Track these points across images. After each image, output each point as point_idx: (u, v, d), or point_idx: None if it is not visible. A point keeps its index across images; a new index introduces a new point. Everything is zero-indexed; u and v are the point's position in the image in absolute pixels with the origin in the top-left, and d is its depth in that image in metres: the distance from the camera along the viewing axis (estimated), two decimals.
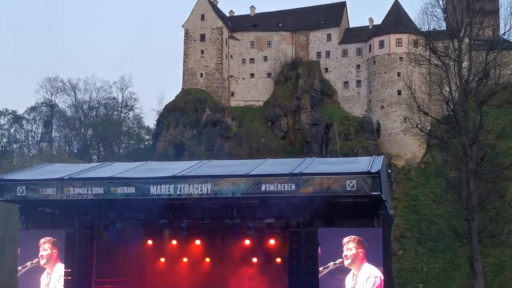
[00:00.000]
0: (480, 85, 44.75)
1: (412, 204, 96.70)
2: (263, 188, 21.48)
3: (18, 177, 24.42)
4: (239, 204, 23.24)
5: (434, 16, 48.29)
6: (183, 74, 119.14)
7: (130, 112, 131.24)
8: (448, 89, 45.94)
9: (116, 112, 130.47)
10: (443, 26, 48.99)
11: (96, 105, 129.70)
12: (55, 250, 24.93)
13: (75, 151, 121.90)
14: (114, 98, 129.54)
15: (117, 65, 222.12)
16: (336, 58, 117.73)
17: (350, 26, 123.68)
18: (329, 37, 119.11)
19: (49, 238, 24.96)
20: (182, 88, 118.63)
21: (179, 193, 22.10)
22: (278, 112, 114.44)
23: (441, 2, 48.38)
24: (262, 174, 22.04)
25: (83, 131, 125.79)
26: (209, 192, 21.92)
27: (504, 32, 48.35)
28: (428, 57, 52.40)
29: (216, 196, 22.13)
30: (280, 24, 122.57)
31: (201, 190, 21.97)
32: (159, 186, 22.35)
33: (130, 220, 24.58)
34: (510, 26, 46.75)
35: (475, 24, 47.39)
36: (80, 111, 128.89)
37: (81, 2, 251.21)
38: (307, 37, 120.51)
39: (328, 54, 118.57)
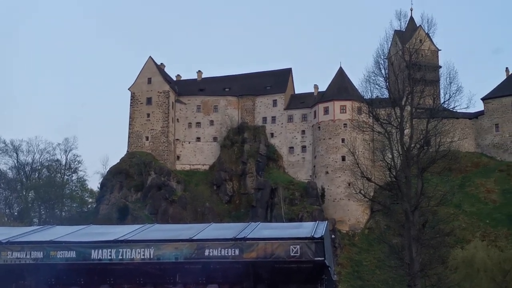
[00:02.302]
0: (422, 152, 45.59)
1: (355, 269, 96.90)
2: (206, 253, 21.21)
3: None
4: (182, 269, 22.92)
5: (377, 84, 49.36)
6: (129, 137, 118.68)
7: (73, 174, 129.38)
8: (390, 156, 46.63)
9: (59, 175, 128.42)
10: (386, 94, 50.01)
11: (39, 167, 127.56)
12: None
13: (16, 213, 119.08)
14: (57, 160, 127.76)
15: (62, 127, 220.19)
16: (282, 124, 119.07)
17: (296, 92, 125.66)
18: (274, 102, 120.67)
19: None
20: (127, 151, 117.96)
21: (121, 257, 21.67)
22: (223, 176, 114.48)
23: (383, 71, 49.59)
24: (205, 239, 21.82)
25: (24, 193, 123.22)
26: (151, 256, 21.55)
27: (444, 101, 49.54)
28: (371, 124, 53.32)
29: (159, 261, 21.78)
30: (227, 89, 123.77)
31: (143, 255, 21.58)
32: (100, 251, 21.86)
33: (70, 286, 23.94)
34: (450, 95, 48.02)
35: (416, 93, 48.54)
36: (22, 173, 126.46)
37: (25, 62, 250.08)
38: (253, 102, 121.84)
39: (273, 119, 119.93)
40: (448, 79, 49.13)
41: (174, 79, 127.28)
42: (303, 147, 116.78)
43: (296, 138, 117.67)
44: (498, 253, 63.14)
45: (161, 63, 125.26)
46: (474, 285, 57.45)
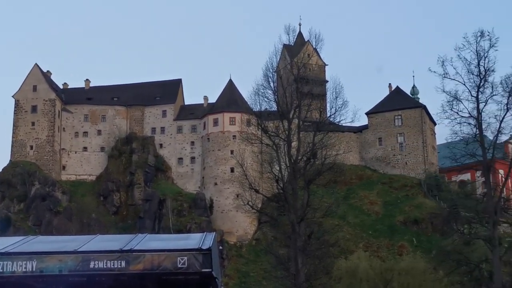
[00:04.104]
0: (308, 164, 46.48)
1: (243, 280, 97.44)
2: (91, 265, 20.79)
3: None
4: (66, 282, 22.38)
5: (266, 97, 50.07)
6: (12, 146, 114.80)
7: None
8: (278, 168, 47.28)
9: None
10: (274, 107, 50.73)
11: None
12: None
13: None
14: None
15: None
16: (171, 134, 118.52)
17: (185, 103, 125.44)
18: (164, 113, 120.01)
19: None
20: (10, 160, 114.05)
21: (1, 271, 20.91)
22: (110, 187, 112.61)
23: (272, 84, 50.33)
24: (91, 251, 21.40)
25: None
26: (34, 269, 20.92)
27: (330, 115, 50.77)
28: (260, 137, 53.96)
29: (42, 273, 21.18)
30: (115, 99, 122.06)
31: (25, 268, 20.91)
32: None
33: None
34: (336, 109, 49.31)
35: (303, 106, 49.51)
36: None
37: None
38: (142, 113, 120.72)
39: (163, 130, 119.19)
40: (334, 93, 50.49)
41: (61, 87, 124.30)
42: (192, 158, 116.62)
43: (185, 149, 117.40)
44: (379, 263, 64.91)
45: (48, 71, 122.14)
46: None
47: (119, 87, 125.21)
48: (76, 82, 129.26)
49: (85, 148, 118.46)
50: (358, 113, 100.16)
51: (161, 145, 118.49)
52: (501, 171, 49.92)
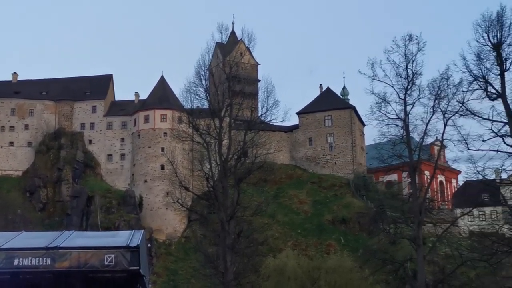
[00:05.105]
0: (239, 163, 46.67)
1: (171, 278, 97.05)
2: (15, 263, 20.37)
3: None
4: None
5: (197, 95, 50.06)
6: None
7: None
8: (208, 166, 47.29)
9: None
10: (206, 104, 50.73)
11: None
12: None
13: None
14: None
15: None
16: (101, 130, 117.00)
17: (116, 99, 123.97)
18: (94, 108, 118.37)
19: None
20: None
21: None
22: (37, 183, 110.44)
23: (204, 82, 50.33)
24: (15, 248, 20.98)
25: None
26: None
27: (262, 114, 51.08)
28: (191, 134, 53.87)
29: None
30: (44, 93, 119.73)
31: None
32: None
33: None
34: (267, 108, 49.64)
35: (235, 105, 49.70)
36: None
37: None
38: (72, 108, 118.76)
39: (92, 125, 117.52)
40: (265, 92, 50.80)
41: None
42: (122, 155, 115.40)
43: (115, 146, 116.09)
44: (307, 262, 65.62)
45: None
46: None
47: (48, 81, 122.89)
48: (3, 75, 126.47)
49: (11, 143, 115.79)
50: (289, 113, 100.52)
51: (90, 141, 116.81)
52: (427, 172, 51.16)
